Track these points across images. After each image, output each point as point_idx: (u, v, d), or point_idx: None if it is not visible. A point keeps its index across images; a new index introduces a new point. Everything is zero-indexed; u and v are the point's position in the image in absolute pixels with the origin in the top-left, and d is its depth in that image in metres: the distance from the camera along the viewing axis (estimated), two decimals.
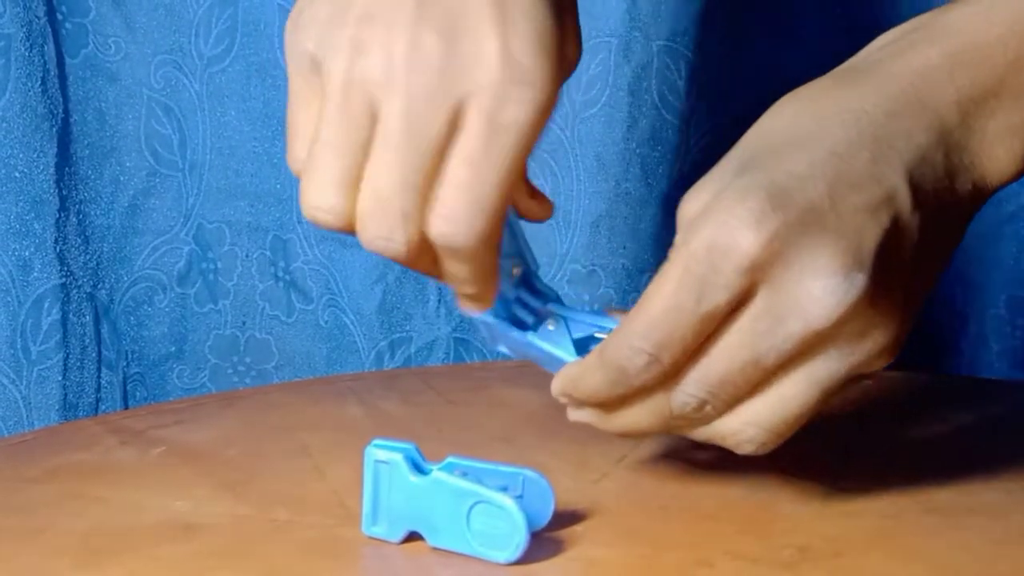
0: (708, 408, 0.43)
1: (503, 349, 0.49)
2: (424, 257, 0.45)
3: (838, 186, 0.42)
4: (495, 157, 0.43)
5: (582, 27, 0.80)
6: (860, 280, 0.41)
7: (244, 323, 0.85)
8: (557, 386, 0.46)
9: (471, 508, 0.42)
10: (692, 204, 0.43)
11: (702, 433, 0.44)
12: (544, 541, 0.44)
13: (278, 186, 0.83)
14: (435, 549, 0.43)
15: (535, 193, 0.50)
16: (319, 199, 0.44)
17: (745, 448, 0.44)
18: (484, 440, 0.55)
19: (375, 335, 0.84)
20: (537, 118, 0.43)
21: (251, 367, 0.85)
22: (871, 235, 0.41)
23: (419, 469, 0.44)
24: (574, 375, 0.45)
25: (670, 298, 0.41)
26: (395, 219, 0.43)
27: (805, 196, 0.41)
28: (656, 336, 0.42)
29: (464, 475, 0.43)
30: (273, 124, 0.82)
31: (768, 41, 0.81)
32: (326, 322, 0.84)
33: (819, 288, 0.41)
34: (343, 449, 0.54)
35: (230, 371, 0.85)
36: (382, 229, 0.44)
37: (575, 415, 0.46)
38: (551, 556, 0.43)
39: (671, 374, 0.43)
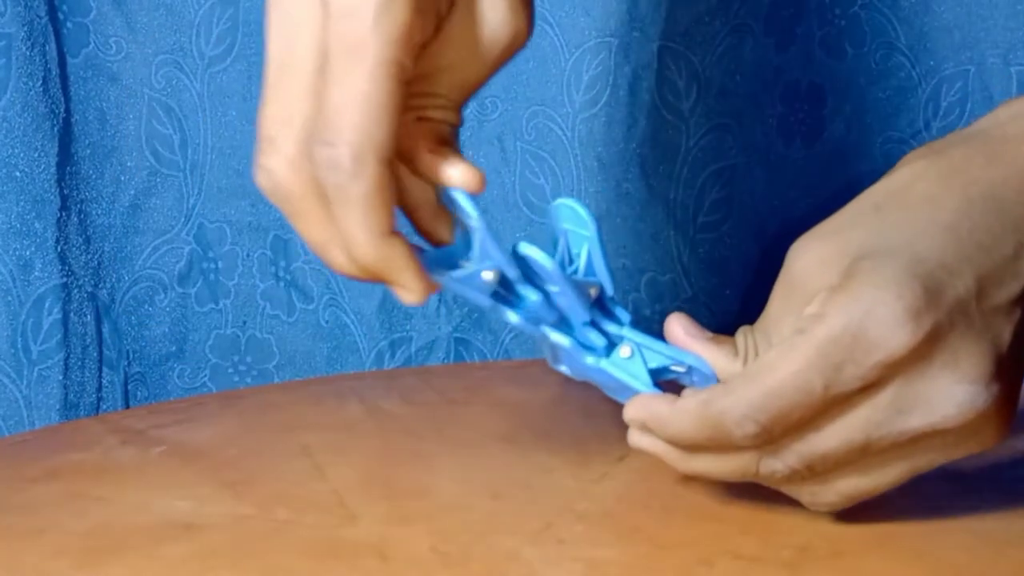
0: (797, 476, 0.42)
1: (564, 370, 0.48)
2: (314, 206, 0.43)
3: (984, 283, 0.41)
4: (341, 76, 0.41)
5: (582, 27, 0.80)
6: (996, 389, 0.40)
7: (245, 323, 0.85)
8: (637, 415, 0.44)
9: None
10: (816, 254, 0.42)
11: (779, 488, 0.44)
12: (544, 541, 0.44)
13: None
14: (434, 549, 0.43)
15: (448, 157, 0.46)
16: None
17: (818, 508, 0.44)
18: (484, 439, 0.55)
19: (375, 335, 0.84)
20: (373, 30, 0.41)
21: (252, 367, 0.85)
22: (1007, 337, 0.41)
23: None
24: (663, 414, 0.43)
25: (798, 377, 0.40)
26: (268, 148, 0.43)
27: (955, 293, 0.40)
28: (772, 411, 0.40)
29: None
30: None
31: (767, 41, 0.81)
32: (327, 322, 0.84)
33: (958, 393, 0.40)
34: (344, 449, 0.54)
35: (231, 371, 0.85)
36: (262, 158, 0.43)
37: (642, 442, 0.45)
38: (551, 556, 0.43)
39: (774, 441, 0.42)
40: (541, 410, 0.59)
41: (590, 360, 0.46)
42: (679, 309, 0.84)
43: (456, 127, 0.48)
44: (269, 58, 0.44)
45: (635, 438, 0.45)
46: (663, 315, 0.84)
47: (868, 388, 0.40)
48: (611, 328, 0.47)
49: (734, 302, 0.84)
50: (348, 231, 0.43)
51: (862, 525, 0.45)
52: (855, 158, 0.83)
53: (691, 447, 0.43)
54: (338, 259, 0.45)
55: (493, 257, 0.45)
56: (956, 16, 0.80)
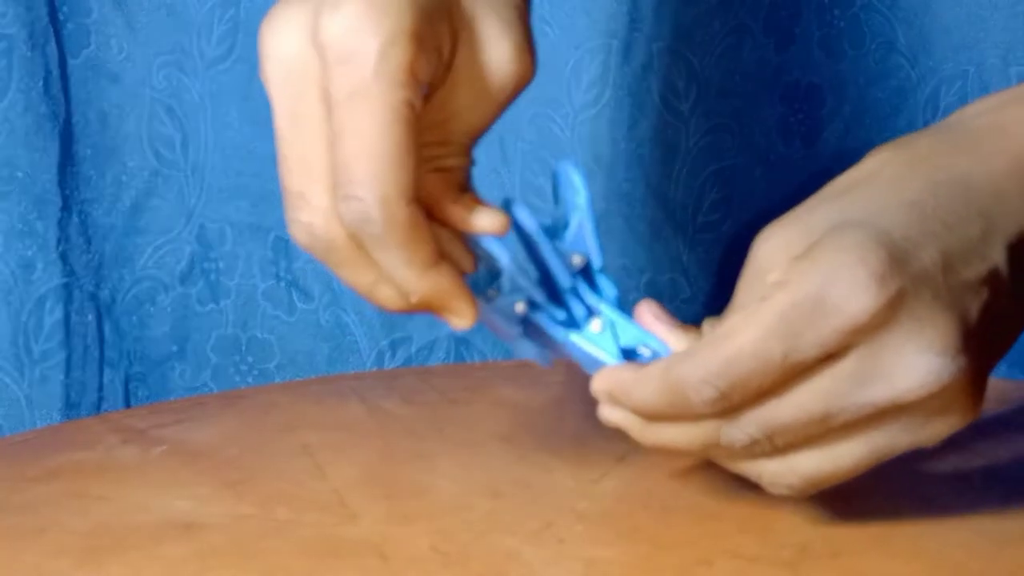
0: (757, 448, 0.42)
1: (525, 352, 0.47)
2: (353, 256, 0.43)
3: (950, 259, 0.40)
4: (351, 126, 0.41)
5: (582, 27, 0.80)
6: (962, 362, 0.39)
7: (246, 323, 0.85)
8: (603, 385, 0.44)
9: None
10: (780, 238, 0.42)
11: (739, 467, 0.43)
12: (544, 541, 0.44)
13: (279, 186, 0.83)
14: (434, 549, 0.44)
15: (471, 201, 0.47)
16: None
17: (778, 490, 0.43)
18: (484, 439, 0.55)
19: (376, 335, 0.84)
20: (370, 75, 0.40)
21: (253, 367, 0.86)
22: (974, 313, 0.40)
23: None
24: (626, 381, 0.43)
25: (757, 343, 0.39)
26: (298, 203, 0.43)
27: (920, 264, 0.40)
28: (732, 377, 0.40)
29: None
30: None
31: (766, 42, 0.81)
32: (327, 322, 0.84)
33: (922, 363, 0.39)
34: (344, 448, 0.54)
35: (232, 370, 0.85)
36: (294, 214, 0.44)
37: (610, 415, 0.44)
38: (551, 555, 0.43)
39: (733, 409, 0.41)
40: (541, 410, 0.59)
41: (559, 333, 0.46)
42: (678, 309, 0.84)
43: (469, 169, 0.48)
44: (276, 111, 0.43)
45: (605, 412, 0.44)
46: None
47: (830, 357, 0.40)
48: (591, 300, 0.47)
49: None
50: (395, 273, 0.43)
51: (862, 525, 0.45)
52: (855, 158, 0.82)
53: (654, 416, 0.43)
54: (388, 298, 0.45)
55: (522, 289, 0.46)
56: (955, 17, 0.80)
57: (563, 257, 0.47)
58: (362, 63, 0.40)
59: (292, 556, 0.44)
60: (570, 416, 0.57)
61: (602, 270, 0.48)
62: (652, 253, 0.82)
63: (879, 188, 0.42)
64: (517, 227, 0.46)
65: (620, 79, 0.79)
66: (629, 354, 0.46)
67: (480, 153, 0.83)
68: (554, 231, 0.48)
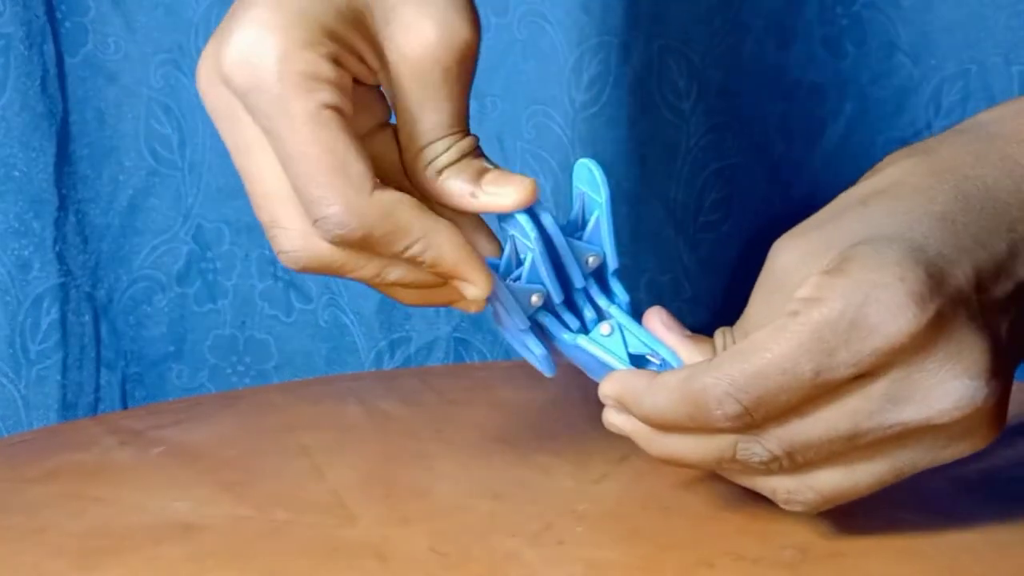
0: (775, 465, 0.40)
1: (531, 350, 0.46)
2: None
3: (982, 276, 0.39)
4: (291, 141, 0.41)
5: (582, 26, 0.80)
6: (995, 385, 0.39)
7: (243, 323, 0.85)
8: (612, 389, 0.43)
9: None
10: (802, 248, 0.41)
11: (752, 482, 0.42)
12: (544, 542, 0.44)
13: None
14: (434, 549, 0.43)
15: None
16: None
17: (793, 507, 0.42)
18: (484, 440, 0.55)
19: (375, 335, 0.84)
20: (287, 89, 0.40)
21: (250, 367, 0.85)
22: (1003, 334, 0.39)
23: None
24: (639, 387, 0.41)
25: (787, 359, 0.38)
26: (275, 232, 0.43)
27: (957, 282, 0.39)
28: (758, 392, 0.39)
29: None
30: None
31: (768, 41, 0.81)
32: (326, 322, 0.84)
33: (958, 388, 0.38)
34: (343, 449, 0.54)
35: (229, 371, 0.85)
36: (277, 245, 0.44)
37: (617, 421, 0.43)
38: (551, 557, 0.43)
39: (754, 425, 0.40)
40: (541, 410, 0.59)
41: (567, 336, 0.46)
42: (679, 309, 0.84)
43: (477, 144, 0.47)
44: (228, 149, 0.44)
45: (610, 416, 0.43)
46: None
47: (861, 377, 0.39)
48: (602, 303, 0.47)
49: (734, 302, 0.84)
50: (412, 254, 0.43)
51: (863, 527, 0.45)
52: (856, 158, 0.83)
53: (667, 426, 0.41)
54: (398, 292, 0.45)
55: (541, 281, 0.45)
56: (957, 15, 0.80)
57: (578, 256, 0.46)
58: (264, 86, 0.41)
59: (291, 557, 0.44)
60: (570, 417, 0.57)
61: (616, 273, 0.47)
62: (653, 253, 0.82)
63: (906, 199, 0.41)
64: (538, 227, 0.45)
65: (620, 78, 0.79)
66: (638, 361, 0.45)
67: None
68: (571, 229, 0.47)
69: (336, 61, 0.42)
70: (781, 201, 0.83)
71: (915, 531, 0.45)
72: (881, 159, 0.44)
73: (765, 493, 0.42)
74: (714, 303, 0.84)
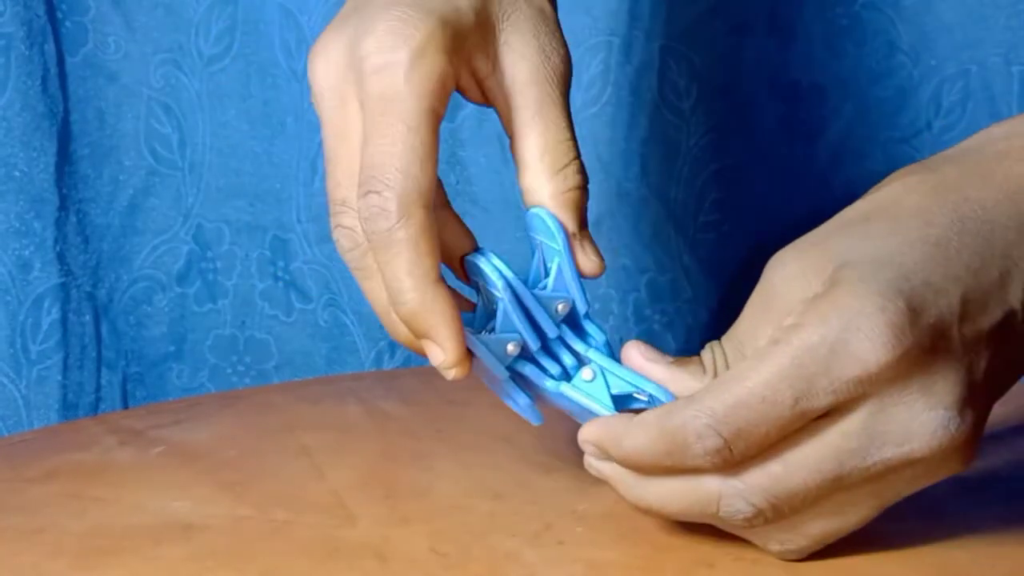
0: (760, 519, 0.40)
1: (517, 401, 0.46)
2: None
3: (969, 307, 0.39)
4: (381, 128, 0.43)
5: (582, 26, 0.80)
6: (970, 417, 0.39)
7: (243, 323, 0.85)
8: (592, 435, 0.42)
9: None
10: (797, 266, 0.40)
11: (743, 534, 0.42)
12: (544, 542, 0.44)
13: (277, 185, 0.83)
14: (434, 549, 0.43)
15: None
16: None
17: (788, 556, 0.42)
18: (484, 440, 0.55)
19: (375, 335, 0.84)
20: (395, 88, 0.42)
21: (250, 367, 0.85)
22: (983, 365, 0.39)
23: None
24: (617, 430, 0.41)
25: (766, 387, 0.38)
26: (342, 208, 0.45)
27: (939, 313, 0.39)
28: (736, 423, 0.38)
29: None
30: (272, 123, 0.82)
31: (768, 41, 0.81)
32: (326, 322, 0.84)
33: (934, 419, 0.38)
34: (343, 449, 0.54)
35: (229, 371, 0.85)
36: (338, 219, 0.45)
37: (598, 467, 0.43)
38: (551, 557, 0.43)
39: (733, 464, 0.39)
40: (541, 410, 0.59)
41: (549, 384, 0.45)
42: (679, 309, 0.84)
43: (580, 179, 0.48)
44: (324, 130, 0.46)
45: (592, 463, 0.43)
46: (664, 315, 0.84)
47: (839, 410, 0.39)
48: (579, 348, 0.46)
49: (734, 302, 0.84)
50: (394, 278, 0.42)
51: (862, 527, 0.45)
52: (856, 158, 0.82)
53: (647, 468, 0.41)
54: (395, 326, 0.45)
55: (516, 329, 0.45)
56: (957, 15, 0.80)
57: (547, 306, 0.46)
58: (393, 72, 0.43)
59: (291, 557, 0.44)
60: (570, 417, 0.57)
61: (587, 315, 0.47)
62: (653, 253, 0.82)
63: (903, 220, 0.41)
64: (505, 277, 0.45)
65: (621, 78, 0.79)
66: (623, 401, 0.44)
67: (480, 153, 0.83)
68: (535, 281, 0.47)
69: (458, 68, 0.45)
70: (781, 201, 0.83)
71: (915, 531, 0.45)
72: (881, 159, 0.44)
73: (758, 543, 0.43)
74: (714, 303, 0.84)
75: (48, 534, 0.46)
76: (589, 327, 0.47)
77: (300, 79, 0.81)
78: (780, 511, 0.40)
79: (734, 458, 0.39)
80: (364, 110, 0.43)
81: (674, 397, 0.43)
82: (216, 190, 0.82)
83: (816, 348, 0.38)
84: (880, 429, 0.39)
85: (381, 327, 0.83)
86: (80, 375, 0.80)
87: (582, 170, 0.47)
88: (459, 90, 0.47)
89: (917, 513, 0.46)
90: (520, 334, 0.45)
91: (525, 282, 0.46)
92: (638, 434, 0.40)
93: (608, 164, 0.79)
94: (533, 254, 0.47)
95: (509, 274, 0.45)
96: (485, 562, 0.43)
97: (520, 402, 0.46)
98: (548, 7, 0.49)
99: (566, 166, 0.47)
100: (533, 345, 0.45)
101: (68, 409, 0.80)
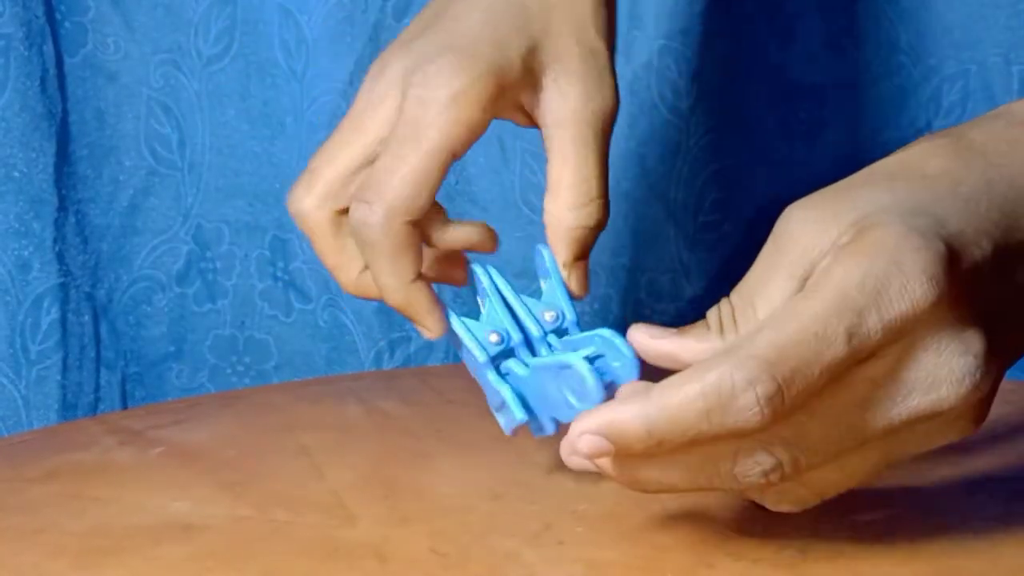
0: (779, 474, 0.38)
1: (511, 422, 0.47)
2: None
3: (1002, 260, 0.39)
4: (398, 148, 0.47)
5: None
6: (994, 370, 0.38)
7: (243, 323, 0.85)
8: (593, 420, 0.38)
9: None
10: (819, 212, 0.39)
11: (748, 492, 0.41)
12: (544, 542, 0.44)
13: (277, 186, 0.83)
14: (434, 549, 0.43)
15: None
16: None
17: (782, 507, 0.41)
18: (484, 440, 0.55)
19: (374, 335, 0.84)
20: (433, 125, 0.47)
21: (250, 367, 0.85)
22: (1013, 319, 0.39)
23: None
24: (611, 412, 0.38)
25: (818, 323, 0.36)
26: (307, 177, 0.49)
27: (973, 261, 0.38)
28: (790, 364, 0.36)
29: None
30: (272, 123, 0.82)
31: (768, 41, 0.81)
32: (325, 322, 0.84)
33: (962, 366, 0.38)
34: (343, 449, 0.54)
35: (229, 371, 0.85)
36: (296, 185, 0.50)
37: (578, 461, 0.41)
38: (551, 557, 0.43)
39: (782, 416, 0.37)
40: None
41: (527, 367, 0.46)
42: (679, 309, 0.84)
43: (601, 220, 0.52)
44: (348, 113, 0.50)
45: (572, 455, 0.41)
46: (663, 315, 0.84)
47: (879, 351, 0.37)
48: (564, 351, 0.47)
49: None
50: (379, 278, 0.48)
51: (862, 526, 0.45)
52: (856, 158, 0.83)
53: (680, 437, 0.37)
54: (345, 285, 0.51)
55: (499, 322, 0.47)
56: (957, 15, 0.80)
57: (532, 308, 0.48)
58: (428, 107, 0.47)
59: (290, 558, 0.44)
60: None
61: (576, 322, 0.48)
62: (652, 253, 0.82)
63: (930, 178, 0.40)
64: (493, 280, 0.48)
65: (620, 78, 0.78)
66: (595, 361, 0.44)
67: (480, 153, 0.83)
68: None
69: (489, 117, 0.48)
70: (781, 202, 0.83)
71: (915, 531, 0.45)
72: (881, 159, 0.43)
73: (752, 496, 0.41)
74: (713, 303, 0.84)
75: (48, 534, 0.46)
76: (574, 334, 0.48)
77: (300, 79, 0.81)
78: (799, 465, 0.38)
79: (785, 407, 0.36)
80: (395, 127, 0.48)
81: (630, 349, 0.42)
82: (216, 190, 0.83)
83: (863, 283, 0.37)
84: (910, 376, 0.38)
85: (381, 327, 0.84)
86: (79, 375, 0.80)
87: (602, 209, 0.51)
88: (505, 118, 0.51)
89: (917, 513, 0.46)
90: (502, 325, 0.47)
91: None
92: (668, 397, 0.37)
93: (608, 164, 0.79)
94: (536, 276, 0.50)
95: (498, 278, 0.49)
96: (485, 562, 0.43)
97: (494, 400, 0.47)
98: (602, 48, 0.51)
99: (585, 205, 0.50)
100: (515, 336, 0.47)
101: (67, 409, 0.80)
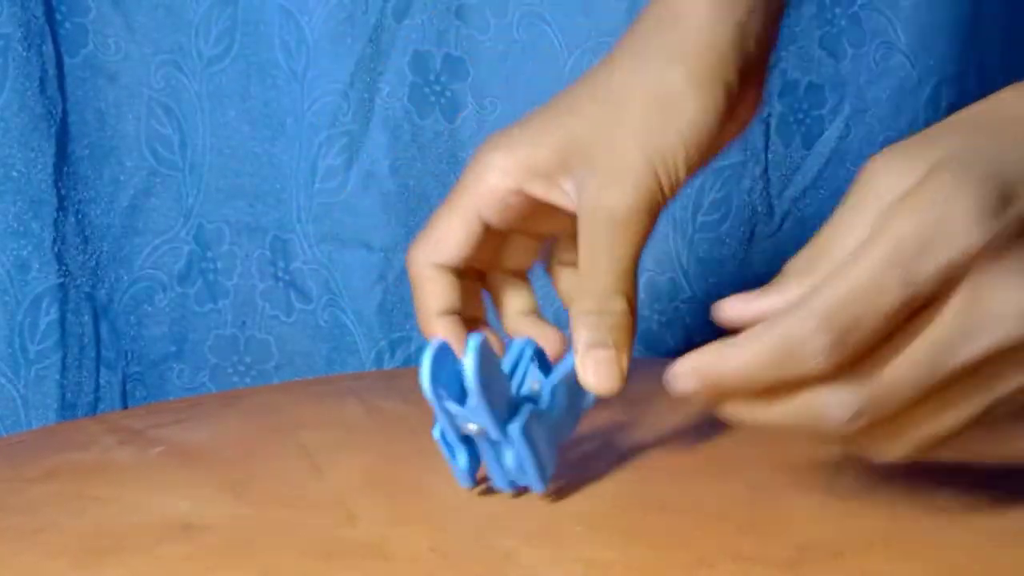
0: (862, 418, 0.40)
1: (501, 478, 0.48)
2: None
3: None
4: (445, 202, 0.54)
5: (582, 27, 0.80)
6: None
7: (244, 323, 0.85)
8: (689, 363, 0.41)
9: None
10: (900, 160, 0.40)
11: (846, 442, 0.42)
12: (544, 542, 0.44)
13: (278, 186, 0.83)
14: (434, 549, 0.43)
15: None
16: None
17: (884, 457, 0.42)
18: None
19: (375, 335, 0.84)
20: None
21: (251, 367, 0.85)
22: None
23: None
24: (714, 354, 0.41)
25: (871, 276, 0.38)
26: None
27: None
28: (845, 318, 0.38)
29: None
30: (273, 124, 0.82)
31: None
32: (326, 322, 0.84)
33: (1022, 299, 0.38)
34: (343, 449, 0.54)
35: (230, 371, 0.85)
36: None
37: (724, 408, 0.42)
38: (551, 557, 0.43)
39: (844, 365, 0.39)
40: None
41: (516, 422, 0.46)
42: (678, 309, 0.84)
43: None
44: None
45: (691, 383, 0.42)
46: (663, 315, 0.84)
47: (932, 301, 0.39)
48: (541, 377, 0.50)
49: None
50: (416, 308, 0.55)
51: (862, 525, 0.45)
52: (855, 158, 0.83)
53: (751, 384, 0.40)
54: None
55: (482, 419, 0.46)
56: (957, 15, 0.80)
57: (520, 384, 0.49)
58: (467, 175, 0.53)
59: (291, 557, 0.44)
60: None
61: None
62: (652, 253, 0.82)
63: (1005, 123, 0.41)
64: (478, 372, 0.45)
65: None
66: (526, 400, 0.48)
67: None
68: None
69: (514, 188, 0.53)
70: (780, 202, 0.83)
71: (915, 531, 0.45)
72: (971, 104, 0.44)
73: (855, 450, 0.42)
74: (713, 303, 0.84)
75: (48, 534, 0.46)
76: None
77: (300, 80, 0.81)
78: (880, 407, 0.40)
79: (845, 357, 0.39)
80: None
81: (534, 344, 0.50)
82: (216, 191, 0.83)
83: (916, 232, 0.38)
84: (974, 315, 0.39)
85: (381, 327, 0.84)
86: (79, 375, 0.80)
87: (617, 313, 0.51)
88: (550, 201, 0.53)
89: (917, 512, 0.46)
90: (482, 418, 0.46)
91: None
92: (741, 351, 0.40)
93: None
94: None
95: (475, 379, 0.45)
96: (485, 562, 0.43)
97: (459, 462, 0.48)
98: (637, 160, 0.51)
99: (593, 312, 0.50)
100: (492, 435, 0.46)
101: (67, 409, 0.80)
